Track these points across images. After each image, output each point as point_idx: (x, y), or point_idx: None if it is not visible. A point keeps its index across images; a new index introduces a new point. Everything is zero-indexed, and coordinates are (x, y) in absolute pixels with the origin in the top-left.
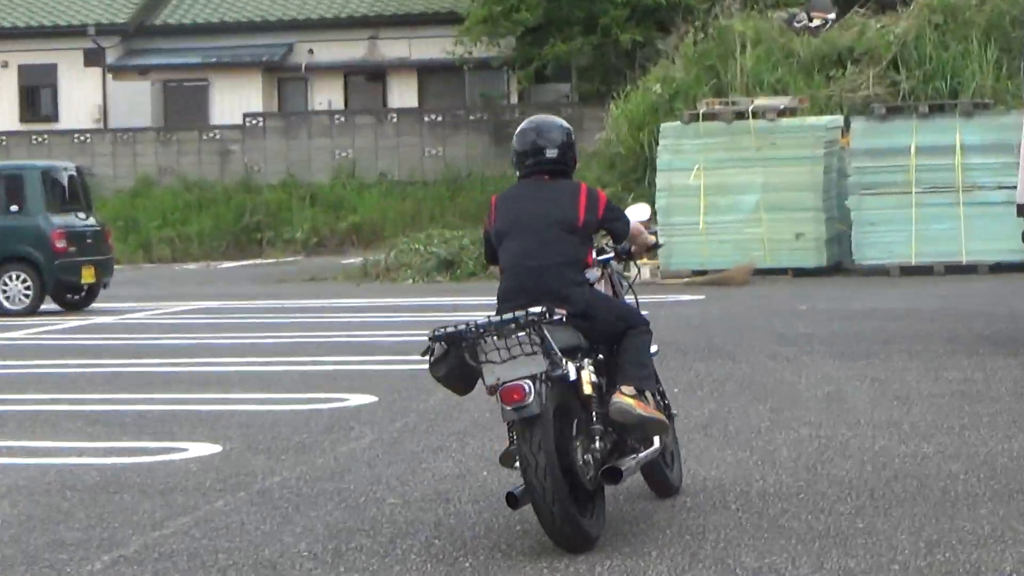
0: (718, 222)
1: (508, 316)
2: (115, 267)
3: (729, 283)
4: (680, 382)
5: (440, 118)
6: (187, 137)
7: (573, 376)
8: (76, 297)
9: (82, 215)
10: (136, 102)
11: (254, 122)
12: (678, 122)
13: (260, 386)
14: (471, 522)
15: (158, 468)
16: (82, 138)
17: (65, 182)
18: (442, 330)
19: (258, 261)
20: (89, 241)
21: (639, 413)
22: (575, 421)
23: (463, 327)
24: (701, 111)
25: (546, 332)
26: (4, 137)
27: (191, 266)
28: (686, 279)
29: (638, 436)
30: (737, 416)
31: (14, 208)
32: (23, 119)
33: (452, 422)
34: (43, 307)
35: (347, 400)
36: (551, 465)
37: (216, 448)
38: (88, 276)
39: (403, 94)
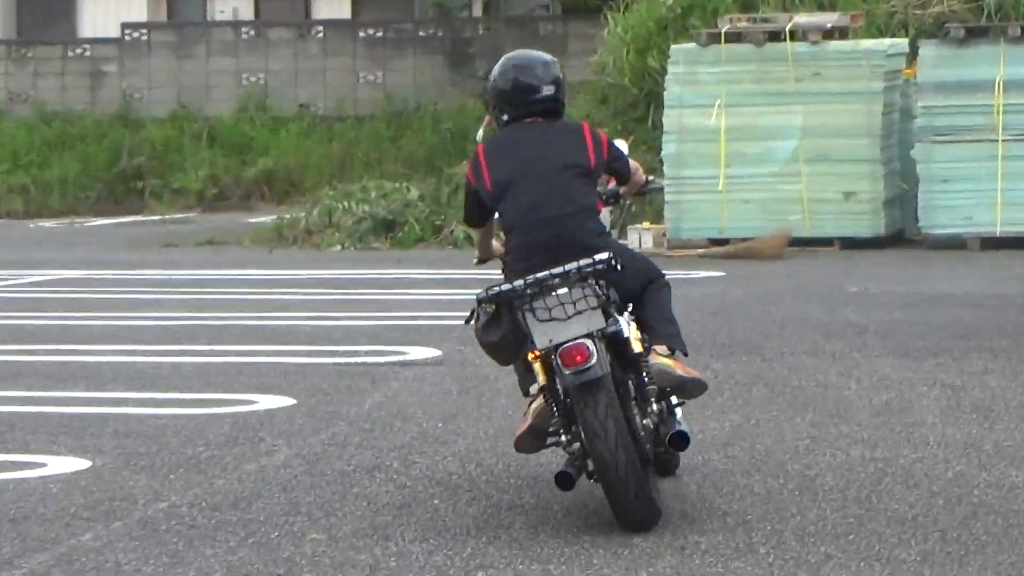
0: (743, 176)
1: (571, 266)
2: None
3: (757, 256)
4: None
5: (380, 34)
6: (47, 54)
7: (627, 332)
8: None
9: None
10: None
11: (135, 35)
12: (693, 44)
13: (141, 383)
14: (418, 566)
15: (6, 490)
16: None
17: None
18: (494, 289)
19: (139, 218)
20: None
21: (679, 374)
22: (629, 382)
23: (519, 283)
24: (723, 30)
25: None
26: None
27: (50, 223)
28: (701, 251)
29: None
30: (767, 432)
31: None
32: None
33: (393, 434)
34: None
35: (255, 403)
36: (622, 432)
37: (83, 463)
38: None
39: (332, 3)
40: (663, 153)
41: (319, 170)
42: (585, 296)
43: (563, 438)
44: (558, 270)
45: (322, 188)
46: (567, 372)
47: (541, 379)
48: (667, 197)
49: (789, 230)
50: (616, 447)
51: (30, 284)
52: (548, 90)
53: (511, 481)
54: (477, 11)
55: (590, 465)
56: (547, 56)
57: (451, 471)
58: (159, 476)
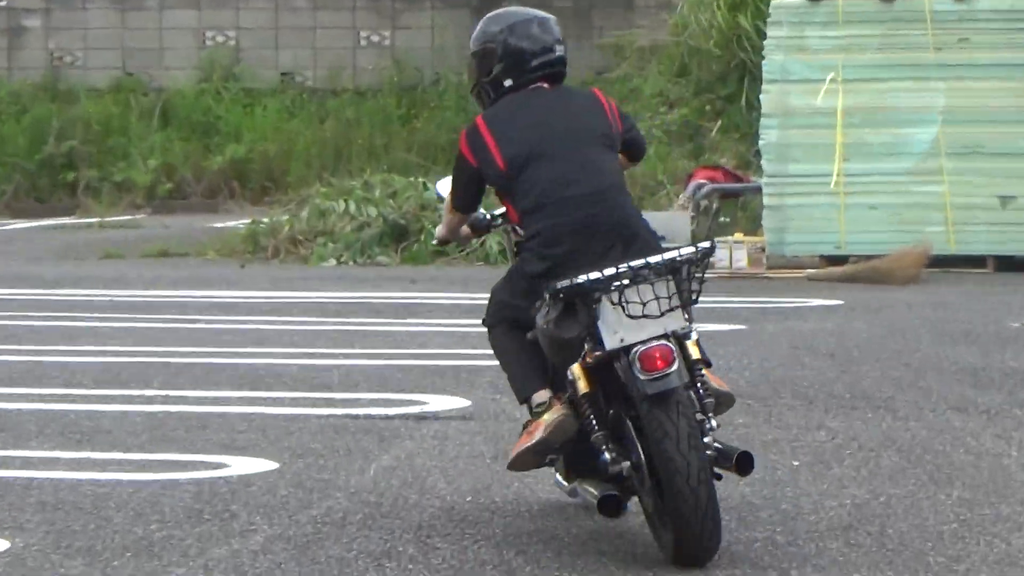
0: (867, 174)
1: (669, 255)
2: None
3: (886, 279)
4: (803, 447)
5: None
6: None
7: (695, 335)
8: None
9: None
10: None
11: None
12: None
13: (75, 439)
14: None
15: None
16: None
17: None
18: (579, 279)
19: (70, 220)
20: None
21: (715, 387)
22: (690, 393)
23: (609, 272)
24: None
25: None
26: None
27: None
28: (810, 271)
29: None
30: (901, 512)
31: None
32: None
33: (407, 510)
34: None
35: (226, 467)
36: (695, 434)
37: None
38: None
39: None
40: (760, 143)
41: (307, 160)
42: (671, 292)
43: (607, 456)
44: (655, 259)
45: (311, 184)
46: (643, 378)
47: (583, 386)
48: (766, 200)
49: (928, 246)
50: (689, 449)
51: None
52: (560, 50)
53: (561, 573)
54: None
55: (645, 482)
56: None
57: (483, 560)
58: (98, 563)
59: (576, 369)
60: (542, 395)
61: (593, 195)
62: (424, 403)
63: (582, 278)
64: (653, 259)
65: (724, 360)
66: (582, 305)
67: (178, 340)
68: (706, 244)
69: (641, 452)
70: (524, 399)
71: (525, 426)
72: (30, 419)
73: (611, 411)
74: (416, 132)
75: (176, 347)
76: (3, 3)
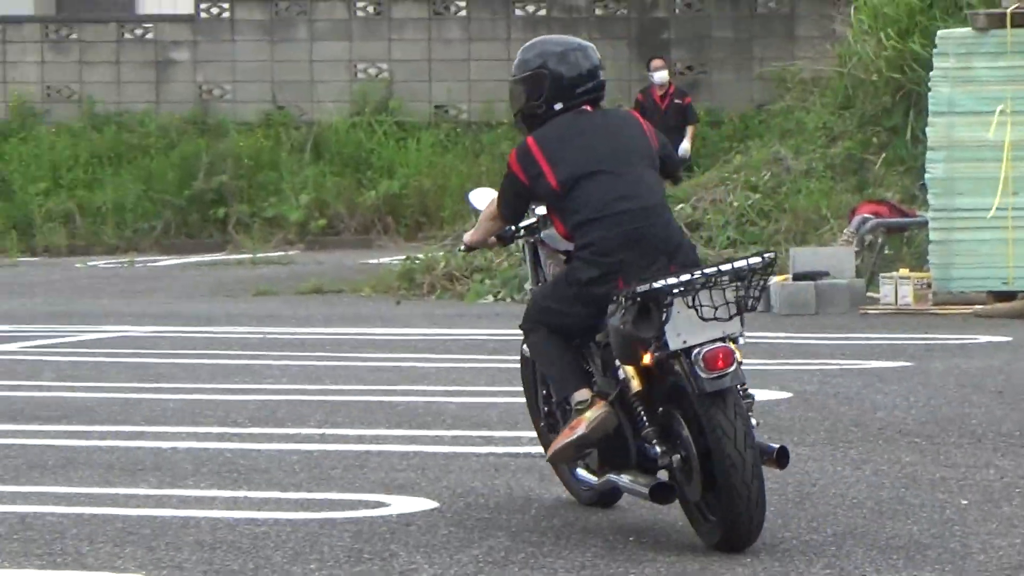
0: None
1: (740, 263)
2: None
3: None
4: (971, 486)
5: (543, 11)
6: (96, 35)
7: (743, 340)
8: None
9: None
10: None
11: (213, 11)
12: (967, 28)
13: (231, 478)
14: None
15: None
16: None
17: None
18: (648, 286)
19: (220, 256)
20: None
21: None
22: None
23: (686, 278)
24: (1010, 9)
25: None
26: None
27: (103, 263)
28: (978, 308)
29: None
30: None
31: None
32: None
33: (570, 549)
34: None
35: (385, 506)
36: (750, 434)
37: None
38: None
39: None
40: (927, 176)
41: (462, 195)
42: (737, 298)
43: (658, 449)
44: (727, 267)
45: (466, 219)
46: (708, 376)
47: (636, 385)
48: (932, 235)
49: None
50: (745, 448)
51: (79, 344)
52: (601, 75)
53: None
54: None
55: (693, 474)
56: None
57: None
58: None
59: (630, 369)
60: (583, 393)
61: (642, 210)
62: None
63: (661, 282)
64: (725, 267)
65: (890, 397)
66: (655, 308)
67: (334, 378)
68: (771, 254)
69: (693, 446)
70: (564, 397)
71: (569, 424)
72: (186, 458)
73: (660, 409)
74: None
75: (332, 385)
76: (150, 35)
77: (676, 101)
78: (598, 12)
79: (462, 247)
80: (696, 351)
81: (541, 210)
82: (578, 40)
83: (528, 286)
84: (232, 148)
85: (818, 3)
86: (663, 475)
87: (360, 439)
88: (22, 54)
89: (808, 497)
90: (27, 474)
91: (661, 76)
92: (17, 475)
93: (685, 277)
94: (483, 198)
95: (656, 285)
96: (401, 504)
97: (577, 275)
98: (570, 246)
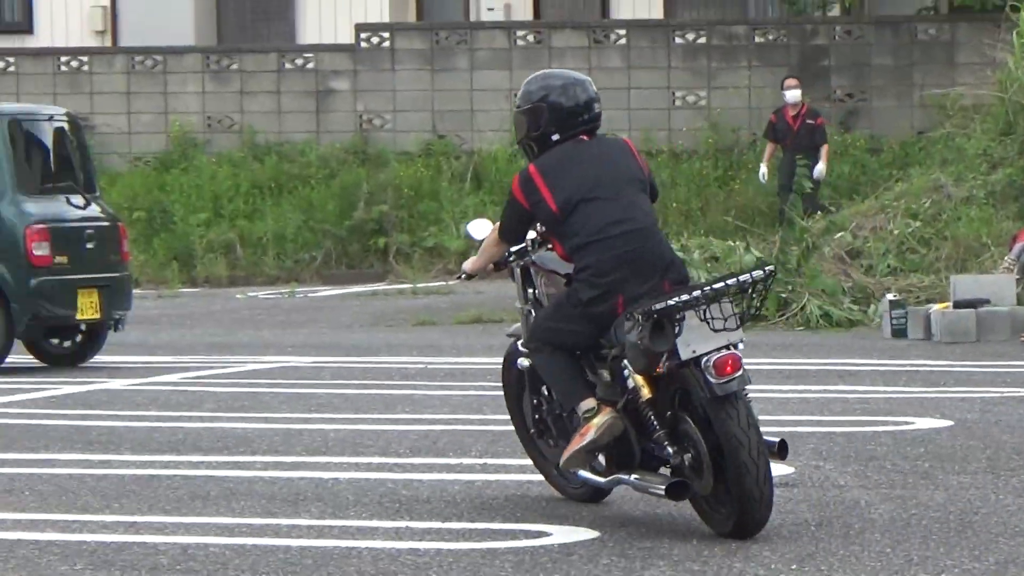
0: None
1: (745, 277)
2: (133, 293)
3: None
4: None
5: (702, 39)
6: (257, 65)
7: (742, 345)
8: (66, 344)
9: (78, 201)
10: (166, 2)
11: (373, 41)
12: None
13: (392, 508)
14: None
15: None
16: (75, 63)
17: (49, 142)
18: (663, 304)
19: (381, 287)
20: (90, 247)
21: None
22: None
23: (697, 294)
24: None
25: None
26: None
27: (263, 293)
28: None
29: None
30: None
31: None
32: None
33: (739, 573)
34: (9, 360)
35: (549, 535)
36: (761, 441)
37: None
38: (88, 308)
39: None
40: None
41: None
42: (741, 308)
43: (670, 449)
44: (731, 281)
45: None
46: (718, 381)
47: (646, 393)
48: None
49: None
50: (758, 455)
51: (239, 375)
52: (598, 107)
53: None
54: (835, 10)
55: (703, 469)
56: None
57: None
58: None
59: (639, 378)
60: (589, 402)
61: (637, 232)
62: None
63: (675, 299)
64: (731, 281)
65: None
66: (668, 323)
67: (495, 408)
68: (770, 267)
69: (703, 444)
70: (572, 407)
71: (579, 431)
72: (347, 488)
73: (668, 413)
74: (733, 194)
75: (493, 415)
76: (311, 64)
77: (808, 121)
78: (758, 40)
79: (463, 275)
80: (705, 359)
81: (531, 234)
82: (577, 74)
83: (518, 305)
84: (392, 178)
85: (978, 29)
86: (665, 471)
87: (522, 469)
88: (183, 84)
89: (970, 525)
90: (189, 505)
91: (794, 95)
92: (179, 506)
93: (696, 293)
94: (481, 229)
95: (671, 302)
96: (563, 534)
97: (579, 296)
98: (569, 267)
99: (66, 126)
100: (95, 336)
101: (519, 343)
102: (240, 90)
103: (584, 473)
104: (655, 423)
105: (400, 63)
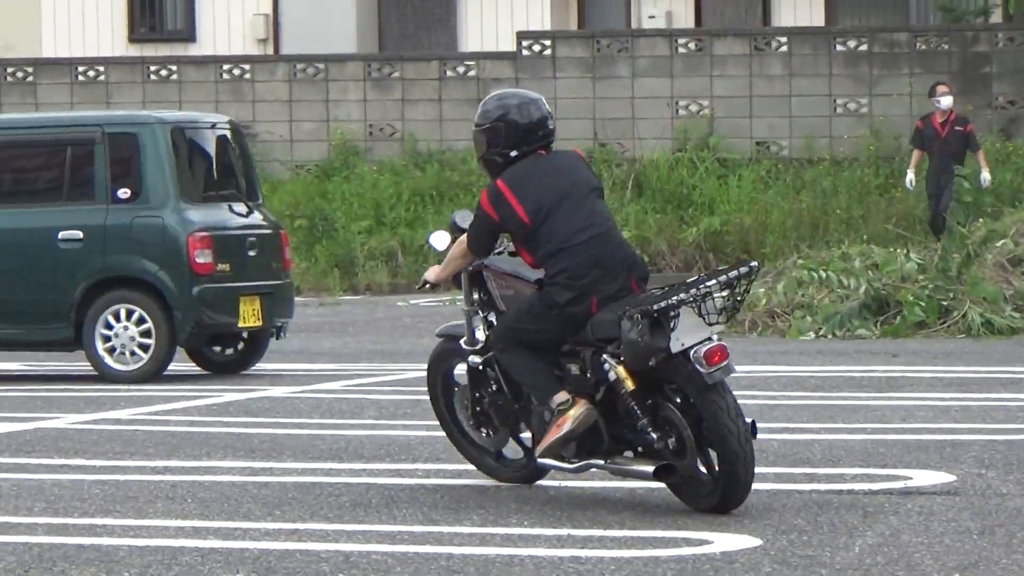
0: None
1: (733, 273)
2: (295, 301)
3: None
4: None
5: (864, 47)
6: (418, 73)
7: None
8: (228, 352)
9: (240, 208)
10: (328, 10)
11: (535, 48)
12: None
13: (554, 516)
14: None
15: None
16: (236, 71)
17: (211, 149)
18: (663, 303)
19: None
20: (253, 254)
21: None
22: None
23: (692, 292)
24: None
25: None
26: (102, 67)
27: (424, 301)
28: None
29: None
30: None
31: (123, 193)
32: (133, 37)
33: None
34: (172, 367)
35: (708, 543)
36: (744, 429)
37: None
38: (250, 316)
39: (799, 5)
40: None
41: (783, 231)
42: (729, 304)
43: (653, 435)
44: (722, 278)
45: (787, 256)
46: (708, 371)
47: (630, 384)
48: None
49: None
50: (744, 442)
51: (401, 383)
52: (552, 123)
53: None
54: (997, 16)
55: (687, 451)
56: None
57: None
58: None
59: (622, 371)
60: (562, 395)
61: (602, 236)
62: (908, 478)
63: (674, 299)
64: (721, 278)
65: None
66: (665, 320)
67: None
68: (754, 263)
69: (687, 429)
70: (545, 401)
71: (555, 423)
72: (509, 496)
73: (649, 401)
74: (895, 203)
75: None
76: (472, 72)
77: (957, 128)
78: (920, 47)
79: (426, 284)
80: (694, 351)
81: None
82: (530, 93)
83: (463, 307)
84: None
85: None
86: (629, 455)
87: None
88: (344, 92)
89: None
90: (351, 512)
91: (947, 101)
92: (341, 513)
93: (693, 291)
94: (442, 240)
95: (671, 301)
96: (725, 541)
97: (555, 298)
98: (537, 273)
99: (229, 134)
100: (257, 344)
101: (482, 344)
102: (401, 98)
103: (550, 460)
104: (638, 411)
105: (561, 71)
